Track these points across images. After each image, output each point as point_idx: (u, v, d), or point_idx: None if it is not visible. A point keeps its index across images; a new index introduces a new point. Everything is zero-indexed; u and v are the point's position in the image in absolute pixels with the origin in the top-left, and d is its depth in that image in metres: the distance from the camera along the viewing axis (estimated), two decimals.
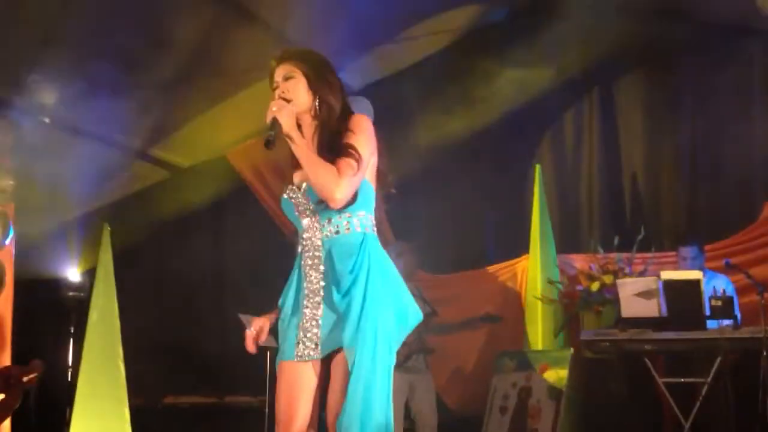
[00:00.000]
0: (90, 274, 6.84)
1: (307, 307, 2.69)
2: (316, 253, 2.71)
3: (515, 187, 7.38)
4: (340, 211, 2.69)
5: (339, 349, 2.65)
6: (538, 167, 6.89)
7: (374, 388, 2.56)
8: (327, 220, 2.71)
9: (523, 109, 7.29)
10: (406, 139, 7.36)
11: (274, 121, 2.65)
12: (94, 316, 6.52)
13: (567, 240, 7.12)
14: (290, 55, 2.82)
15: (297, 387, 2.68)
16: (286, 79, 2.77)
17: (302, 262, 2.74)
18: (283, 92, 2.74)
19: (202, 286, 7.43)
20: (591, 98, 7.45)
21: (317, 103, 2.76)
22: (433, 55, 7.51)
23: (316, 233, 2.72)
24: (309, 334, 2.67)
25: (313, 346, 2.66)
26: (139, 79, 5.95)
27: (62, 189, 6.57)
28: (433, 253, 7.01)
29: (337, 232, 2.70)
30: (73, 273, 6.77)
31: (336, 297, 2.64)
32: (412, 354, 5.78)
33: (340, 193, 2.63)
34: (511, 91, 7.15)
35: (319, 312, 2.67)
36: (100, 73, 5.74)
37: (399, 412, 5.77)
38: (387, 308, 2.65)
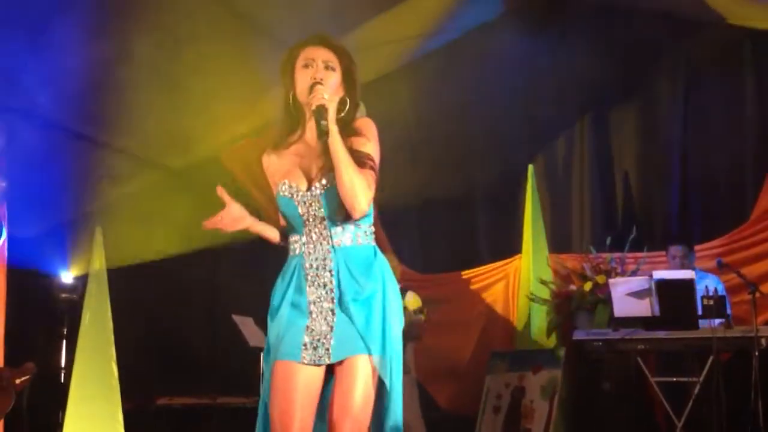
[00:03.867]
0: (83, 275, 6.83)
1: (315, 312, 2.64)
2: (327, 261, 2.67)
3: (508, 188, 7.40)
4: (349, 221, 2.68)
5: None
6: (530, 168, 6.91)
7: (401, 396, 2.68)
8: (337, 229, 2.68)
9: (516, 110, 7.31)
10: (398, 140, 7.37)
11: (323, 109, 2.60)
12: (86, 317, 6.50)
13: (559, 240, 7.13)
14: (331, 43, 2.76)
15: (298, 389, 2.61)
16: (326, 67, 2.71)
17: (305, 266, 2.68)
18: (321, 79, 2.68)
19: (195, 287, 7.42)
20: (583, 98, 7.47)
21: (347, 104, 2.71)
22: (428, 55, 7.52)
23: (324, 240, 2.68)
24: (322, 340, 2.62)
25: (326, 351, 2.62)
26: (133, 80, 5.94)
27: (55, 190, 6.56)
28: (426, 254, 7.02)
29: (350, 242, 2.68)
30: (65, 275, 6.75)
31: (353, 306, 2.63)
32: None
33: (366, 204, 2.63)
34: (503, 92, 7.18)
35: (333, 318, 2.63)
36: (93, 74, 5.74)
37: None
38: (401, 319, 2.73)
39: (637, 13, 6.96)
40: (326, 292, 2.65)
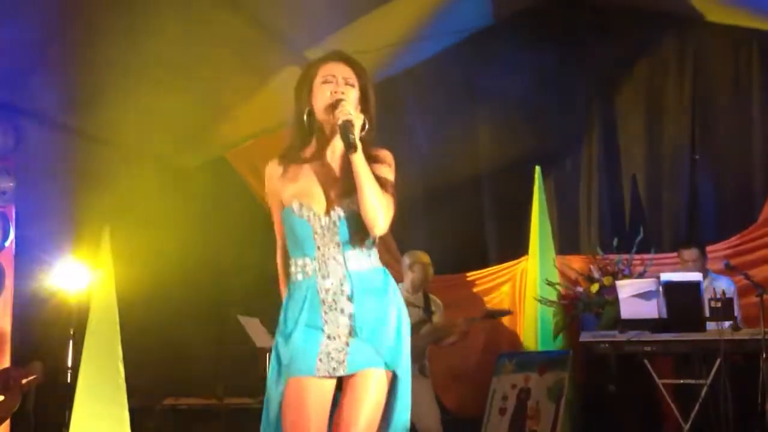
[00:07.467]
0: (90, 275, 6.83)
1: (331, 335, 2.64)
2: (344, 287, 2.66)
3: (515, 189, 7.38)
4: (363, 246, 2.69)
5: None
6: (537, 169, 6.89)
7: (409, 414, 2.71)
8: (350, 253, 2.68)
9: (523, 111, 7.30)
10: (406, 142, 7.38)
11: (350, 124, 2.59)
12: (93, 317, 6.51)
13: (566, 241, 7.12)
14: (351, 59, 2.76)
15: (312, 404, 2.61)
16: (346, 84, 2.71)
17: (320, 290, 2.66)
18: (342, 95, 2.68)
19: (201, 288, 7.42)
20: (592, 99, 7.46)
21: (365, 122, 2.68)
22: (434, 58, 7.52)
23: (339, 266, 2.67)
24: (335, 353, 2.62)
25: (340, 363, 2.62)
26: (141, 82, 5.95)
27: (63, 190, 6.57)
28: (432, 255, 7.00)
29: (365, 267, 2.69)
30: (73, 274, 6.75)
31: (369, 328, 2.64)
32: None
33: (386, 224, 2.64)
34: (511, 93, 7.17)
35: (348, 333, 2.64)
36: (102, 75, 5.75)
37: None
38: (409, 333, 2.75)
39: (643, 15, 6.94)
40: (345, 317, 2.65)
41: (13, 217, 6.08)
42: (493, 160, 7.52)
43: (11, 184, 6.08)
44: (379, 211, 2.60)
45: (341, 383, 2.67)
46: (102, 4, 5.33)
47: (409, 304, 5.75)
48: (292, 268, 2.74)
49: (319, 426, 2.61)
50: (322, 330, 2.64)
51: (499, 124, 7.29)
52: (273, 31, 6.10)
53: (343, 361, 2.62)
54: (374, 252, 2.75)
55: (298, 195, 2.70)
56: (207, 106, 6.81)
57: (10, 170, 6.10)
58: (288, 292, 2.75)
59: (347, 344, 2.63)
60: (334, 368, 2.62)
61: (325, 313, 2.65)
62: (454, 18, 6.97)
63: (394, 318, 2.70)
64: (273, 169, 2.79)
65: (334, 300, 2.66)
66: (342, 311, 2.65)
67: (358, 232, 2.66)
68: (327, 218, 2.67)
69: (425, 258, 5.89)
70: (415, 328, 5.67)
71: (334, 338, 2.64)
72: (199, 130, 7.11)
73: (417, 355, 5.73)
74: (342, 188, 2.68)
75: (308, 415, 2.60)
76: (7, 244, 6.01)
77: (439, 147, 7.34)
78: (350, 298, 2.66)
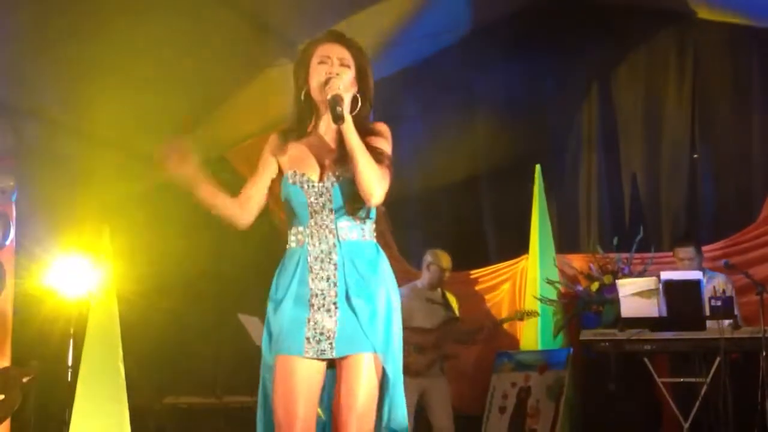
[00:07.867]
0: (90, 274, 6.83)
1: (318, 305, 2.64)
2: (332, 255, 2.66)
3: (515, 188, 7.38)
4: (356, 216, 2.69)
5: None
6: (538, 167, 6.89)
7: (403, 394, 2.69)
8: (343, 223, 2.68)
9: (523, 110, 7.30)
10: (404, 141, 7.36)
11: (339, 98, 2.61)
12: (94, 316, 6.51)
13: (566, 240, 7.12)
14: (347, 40, 2.78)
15: (301, 384, 2.62)
16: (342, 64, 2.73)
17: (309, 258, 2.67)
18: (337, 74, 2.69)
19: (201, 286, 7.42)
20: (591, 99, 7.46)
21: (359, 101, 2.70)
22: (432, 57, 7.52)
23: (330, 234, 2.68)
24: (326, 334, 2.62)
25: (329, 346, 2.62)
26: (136, 80, 5.95)
27: (63, 189, 6.57)
28: None
29: (355, 238, 2.69)
30: (73, 273, 6.75)
31: (357, 301, 2.62)
32: (435, 363, 5.70)
33: (382, 194, 2.63)
34: (510, 92, 7.17)
35: (336, 312, 2.63)
36: (100, 74, 5.75)
37: (409, 416, 5.71)
38: (401, 316, 2.73)
39: (642, 12, 6.95)
40: (329, 286, 2.65)
41: (14, 215, 6.08)
42: (494, 160, 7.52)
43: (12, 183, 6.08)
44: (373, 180, 2.60)
45: (332, 362, 2.67)
46: (99, 4, 5.34)
47: (430, 301, 5.82)
48: (289, 238, 2.76)
49: (308, 407, 2.62)
50: (310, 302, 2.64)
51: (499, 123, 7.28)
52: (271, 27, 6.11)
53: (332, 344, 2.61)
54: (369, 226, 2.74)
55: (293, 163, 2.75)
56: (205, 104, 6.82)
57: (10, 169, 6.10)
58: (282, 260, 2.77)
59: (335, 323, 2.62)
60: (322, 351, 2.62)
61: (312, 281, 2.65)
62: (451, 17, 6.98)
63: (383, 295, 2.67)
64: (273, 138, 2.85)
65: (321, 268, 2.66)
66: (327, 279, 2.65)
67: (352, 200, 2.66)
68: (320, 185, 2.69)
69: (445, 263, 5.93)
70: (441, 328, 5.72)
71: (322, 312, 2.63)
72: (197, 128, 7.11)
73: (442, 356, 5.74)
74: (336, 157, 2.70)
75: (297, 398, 2.61)
76: (7, 242, 6.01)
77: (439, 146, 7.33)
78: (337, 267, 2.65)
